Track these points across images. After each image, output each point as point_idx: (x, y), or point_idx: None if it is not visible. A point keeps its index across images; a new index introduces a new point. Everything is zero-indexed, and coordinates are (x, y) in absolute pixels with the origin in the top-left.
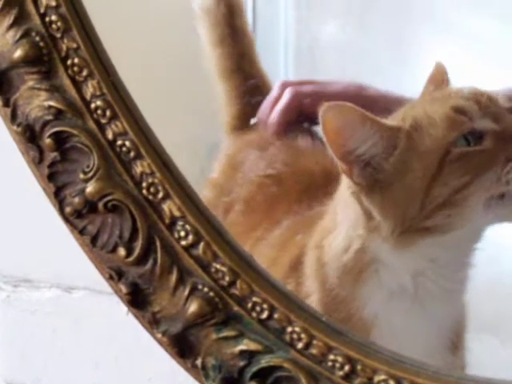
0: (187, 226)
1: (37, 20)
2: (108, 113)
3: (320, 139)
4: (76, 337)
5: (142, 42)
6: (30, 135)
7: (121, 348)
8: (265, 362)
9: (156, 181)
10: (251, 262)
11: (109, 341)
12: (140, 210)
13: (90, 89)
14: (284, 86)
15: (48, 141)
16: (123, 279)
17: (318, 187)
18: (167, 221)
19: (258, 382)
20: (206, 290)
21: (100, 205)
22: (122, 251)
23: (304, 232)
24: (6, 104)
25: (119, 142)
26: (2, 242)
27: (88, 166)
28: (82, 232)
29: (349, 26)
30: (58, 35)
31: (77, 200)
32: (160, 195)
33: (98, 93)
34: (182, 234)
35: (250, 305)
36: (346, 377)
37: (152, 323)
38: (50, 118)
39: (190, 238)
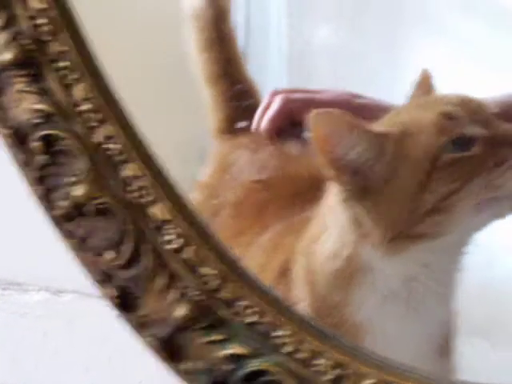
0: (176, 230)
1: (26, 23)
2: (97, 116)
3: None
4: (66, 340)
5: (133, 45)
6: (18, 138)
7: (111, 351)
8: (253, 366)
9: (145, 184)
10: (239, 266)
11: (99, 344)
12: (129, 213)
13: (78, 92)
14: (275, 94)
15: (37, 144)
16: (111, 283)
17: (308, 192)
18: (156, 224)
19: None
20: (194, 293)
21: (89, 208)
22: (110, 254)
23: (293, 237)
24: None
25: (108, 146)
26: None
27: (77, 169)
28: (70, 235)
29: (341, 29)
30: (47, 38)
31: (65, 203)
32: (149, 198)
33: (86, 96)
34: (171, 237)
35: (238, 309)
36: (335, 381)
37: (140, 327)
38: (38, 121)
39: (179, 241)
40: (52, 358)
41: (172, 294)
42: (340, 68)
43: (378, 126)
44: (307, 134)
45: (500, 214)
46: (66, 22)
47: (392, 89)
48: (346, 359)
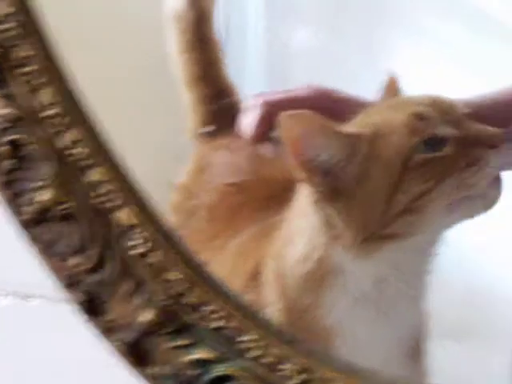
0: (142, 234)
1: None
2: (64, 120)
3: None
4: (34, 345)
5: (115, 47)
6: None
7: (79, 356)
8: (219, 370)
9: (112, 188)
10: (205, 271)
11: (68, 349)
12: (96, 217)
13: (46, 96)
14: (258, 98)
15: (4, 148)
16: (79, 287)
17: (283, 195)
18: (122, 229)
19: None
20: (160, 298)
21: (55, 213)
22: (77, 259)
23: (264, 241)
24: None
25: (75, 150)
26: None
27: (44, 174)
28: (37, 240)
29: (320, 31)
30: (13, 43)
31: (32, 208)
32: (116, 203)
33: (54, 100)
34: (138, 242)
35: (203, 313)
36: None
37: (108, 331)
38: (5, 125)
39: (146, 246)
40: (19, 362)
41: (138, 299)
42: (319, 70)
43: (350, 127)
44: (277, 134)
45: (471, 214)
46: (33, 27)
47: (371, 91)
48: (313, 364)
